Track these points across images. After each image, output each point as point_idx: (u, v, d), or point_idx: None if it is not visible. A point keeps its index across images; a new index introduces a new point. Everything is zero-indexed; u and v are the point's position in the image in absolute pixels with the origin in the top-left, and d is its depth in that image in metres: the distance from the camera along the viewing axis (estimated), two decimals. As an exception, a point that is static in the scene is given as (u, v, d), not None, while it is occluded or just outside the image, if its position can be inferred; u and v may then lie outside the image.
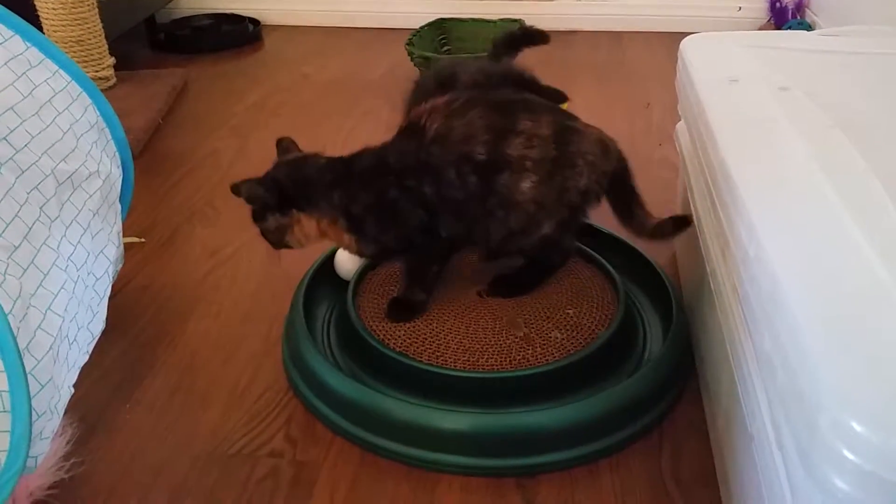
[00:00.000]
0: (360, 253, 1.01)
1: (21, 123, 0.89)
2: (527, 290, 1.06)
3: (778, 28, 2.31)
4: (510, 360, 0.95)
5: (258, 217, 0.97)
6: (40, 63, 0.98)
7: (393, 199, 0.94)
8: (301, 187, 0.96)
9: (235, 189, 0.95)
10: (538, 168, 0.92)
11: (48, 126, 0.93)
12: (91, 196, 0.96)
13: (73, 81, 1.02)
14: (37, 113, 0.93)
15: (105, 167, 1.01)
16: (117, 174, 1.05)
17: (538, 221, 0.96)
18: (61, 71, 1.00)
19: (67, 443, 0.87)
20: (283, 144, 1.03)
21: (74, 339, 0.85)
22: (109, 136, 1.06)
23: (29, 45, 0.98)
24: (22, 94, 0.92)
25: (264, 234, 0.98)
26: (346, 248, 1.01)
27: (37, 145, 0.89)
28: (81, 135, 0.99)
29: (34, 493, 0.81)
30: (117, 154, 1.07)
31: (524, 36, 1.55)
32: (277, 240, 0.98)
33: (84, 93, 1.03)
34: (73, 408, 0.94)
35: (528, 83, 1.26)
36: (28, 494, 0.81)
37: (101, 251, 0.96)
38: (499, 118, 0.93)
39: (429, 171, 0.93)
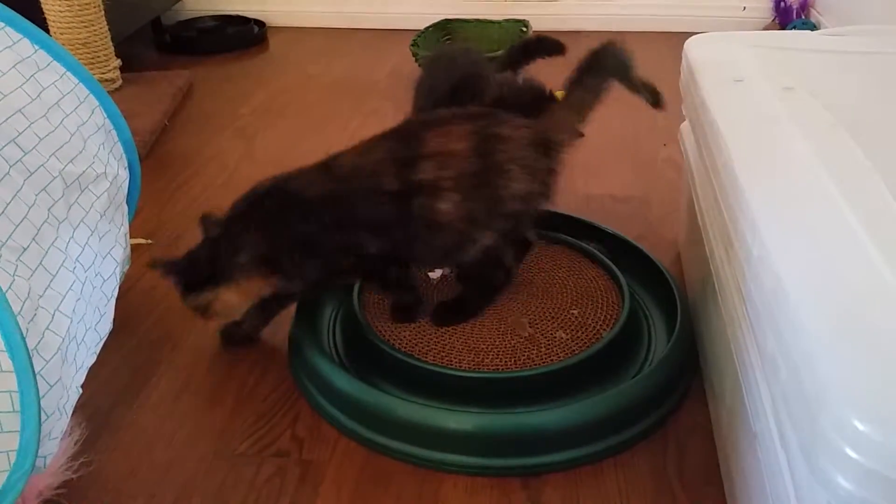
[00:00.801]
0: (288, 290, 1.01)
1: (29, 126, 0.90)
2: (471, 315, 1.03)
3: (782, 28, 2.31)
4: (515, 361, 0.95)
5: (182, 296, 0.99)
6: (48, 66, 0.99)
7: (305, 232, 0.94)
8: (211, 266, 0.97)
9: (153, 266, 0.98)
10: (459, 185, 0.91)
11: (56, 128, 0.94)
12: (98, 198, 0.96)
13: (80, 84, 1.02)
14: (45, 115, 0.93)
15: (112, 169, 1.02)
16: (124, 176, 1.06)
17: (472, 237, 0.94)
18: (69, 73, 1.01)
19: (76, 443, 0.88)
20: (207, 222, 1.01)
21: (82, 340, 0.85)
22: (116, 139, 1.07)
23: (37, 47, 0.98)
24: (30, 96, 0.93)
25: (192, 310, 1.00)
26: (275, 288, 0.99)
27: (45, 147, 0.90)
28: (89, 137, 0.99)
29: (43, 492, 0.82)
30: (124, 156, 1.08)
31: (540, 45, 1.56)
32: (203, 315, 1.00)
33: (91, 95, 1.04)
34: (80, 408, 0.95)
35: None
36: (37, 494, 0.81)
37: (109, 252, 0.97)
38: (402, 147, 0.93)
39: (342, 202, 0.94)
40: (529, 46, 1.51)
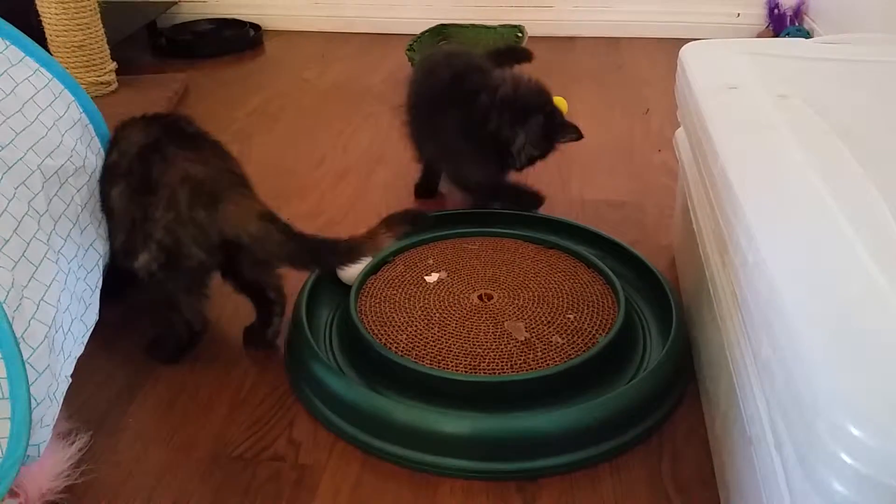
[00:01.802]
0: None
1: (5, 121, 0.90)
2: (156, 356, 1.06)
3: (776, 34, 2.32)
4: (511, 365, 0.96)
5: None
6: (20, 61, 0.99)
7: None
8: None
9: None
10: (126, 176, 0.96)
11: (32, 123, 0.94)
12: (79, 191, 0.97)
13: (54, 79, 1.02)
14: (20, 110, 0.93)
15: (91, 163, 1.02)
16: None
17: (134, 241, 0.96)
18: (42, 69, 1.01)
19: (80, 450, 0.88)
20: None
21: (69, 330, 0.86)
22: (93, 133, 1.07)
23: (8, 43, 0.98)
24: (4, 91, 0.93)
25: None
26: None
27: (22, 142, 0.90)
28: (66, 131, 1.00)
29: (45, 495, 0.82)
30: (102, 150, 1.08)
31: (509, 53, 1.63)
32: None
33: (66, 90, 1.04)
34: (77, 412, 0.95)
35: None
36: (40, 497, 0.82)
37: (91, 245, 0.97)
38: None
39: None
40: (500, 55, 1.57)
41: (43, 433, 0.77)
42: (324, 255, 0.95)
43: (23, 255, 0.80)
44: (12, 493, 0.79)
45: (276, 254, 0.95)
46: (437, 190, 1.48)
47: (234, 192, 0.94)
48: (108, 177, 0.98)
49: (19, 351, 0.71)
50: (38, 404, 0.74)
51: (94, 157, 1.04)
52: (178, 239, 0.92)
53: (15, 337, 0.71)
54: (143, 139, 0.96)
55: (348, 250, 0.94)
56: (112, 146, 1.01)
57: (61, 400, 0.82)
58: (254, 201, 0.96)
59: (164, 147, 0.94)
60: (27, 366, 0.72)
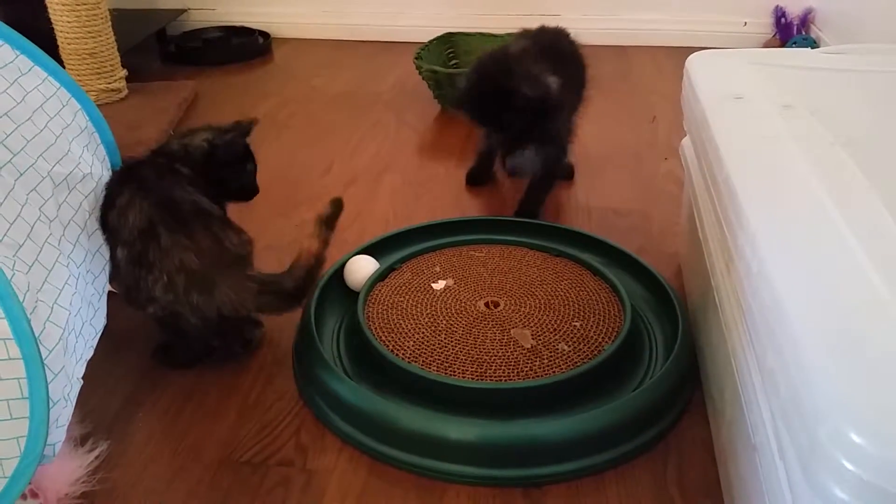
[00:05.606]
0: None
1: (16, 128, 0.91)
2: (175, 365, 1.08)
3: (783, 43, 2.33)
4: (518, 372, 0.96)
5: None
6: (30, 70, 1.00)
7: None
8: None
9: None
10: (128, 244, 0.97)
11: (42, 130, 0.95)
12: (86, 197, 0.98)
13: (62, 87, 1.04)
14: (30, 118, 0.95)
15: (97, 170, 1.03)
16: (107, 177, 1.08)
17: (141, 298, 0.98)
18: (50, 78, 1.03)
19: (97, 457, 0.90)
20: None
21: (80, 333, 0.87)
22: (99, 141, 1.09)
23: (18, 53, 1.00)
24: (15, 100, 0.94)
25: None
26: None
27: (32, 149, 0.91)
28: (73, 139, 1.01)
29: (63, 500, 0.84)
30: (107, 158, 1.10)
31: None
32: None
33: (73, 98, 1.05)
34: (87, 416, 0.96)
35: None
36: (58, 500, 0.83)
37: (98, 250, 0.99)
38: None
39: None
40: None
41: (58, 433, 0.78)
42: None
43: (36, 259, 0.81)
44: (34, 495, 0.80)
45: (275, 312, 1.02)
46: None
47: (229, 274, 0.97)
48: (113, 236, 0.99)
49: (39, 352, 0.72)
50: (54, 404, 0.76)
51: (100, 165, 1.05)
52: (178, 312, 0.97)
53: (35, 338, 0.72)
54: (139, 223, 0.96)
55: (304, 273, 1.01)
56: (110, 204, 1.00)
57: (74, 401, 0.83)
58: (248, 278, 0.98)
59: (159, 234, 0.95)
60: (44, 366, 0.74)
